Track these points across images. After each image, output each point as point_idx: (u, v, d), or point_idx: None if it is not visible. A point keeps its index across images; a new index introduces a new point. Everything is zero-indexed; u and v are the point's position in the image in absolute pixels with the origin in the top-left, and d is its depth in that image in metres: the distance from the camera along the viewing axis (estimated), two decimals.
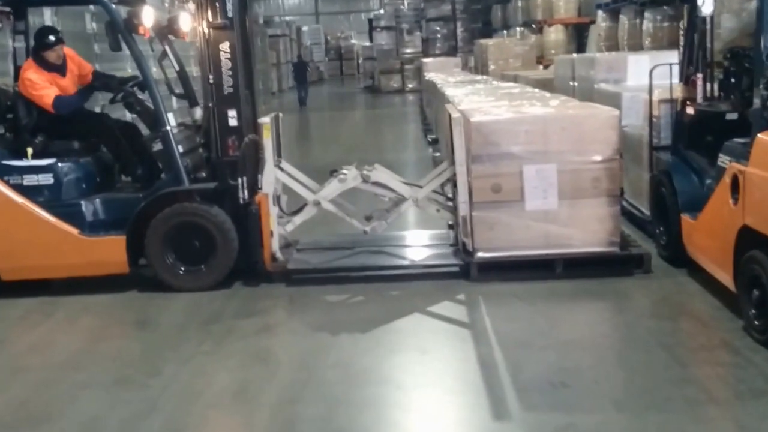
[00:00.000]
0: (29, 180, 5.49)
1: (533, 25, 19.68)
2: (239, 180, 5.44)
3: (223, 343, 4.64)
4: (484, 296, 5.17)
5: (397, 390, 3.97)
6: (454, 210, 5.73)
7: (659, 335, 4.41)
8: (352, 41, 41.12)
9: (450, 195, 5.97)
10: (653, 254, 5.57)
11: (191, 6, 5.65)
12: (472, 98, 7.37)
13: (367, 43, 33.90)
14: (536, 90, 8.21)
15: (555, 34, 18.18)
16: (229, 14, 5.39)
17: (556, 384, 3.84)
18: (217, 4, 5.37)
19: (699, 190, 5.26)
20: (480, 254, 5.42)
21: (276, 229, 5.58)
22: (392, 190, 5.76)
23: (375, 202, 6.11)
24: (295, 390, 3.98)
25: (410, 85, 26.30)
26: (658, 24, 11.92)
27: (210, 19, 5.41)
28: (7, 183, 5.45)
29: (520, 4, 21.33)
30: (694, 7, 5.27)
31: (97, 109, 6.39)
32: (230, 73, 5.44)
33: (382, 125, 17.73)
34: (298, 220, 5.78)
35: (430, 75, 14.72)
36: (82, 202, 5.56)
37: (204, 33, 5.45)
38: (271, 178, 5.53)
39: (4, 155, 5.55)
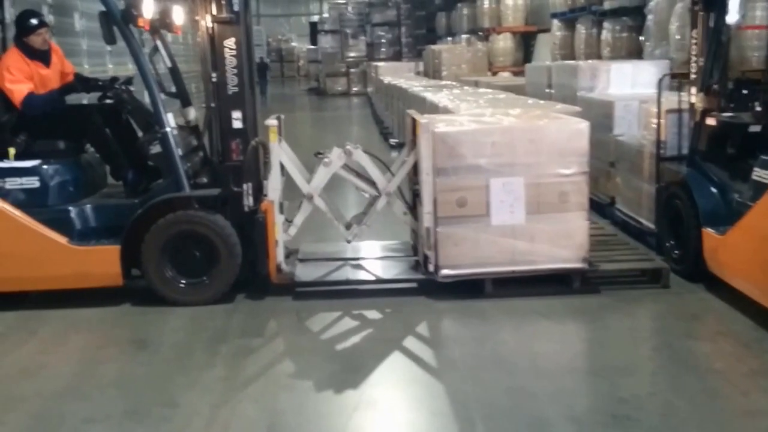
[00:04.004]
0: (12, 183, 4.79)
1: (480, 33, 19.38)
2: (244, 186, 4.84)
3: (238, 367, 4.05)
4: (502, 312, 4.71)
5: (447, 425, 3.45)
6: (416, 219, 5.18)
7: (706, 359, 4.02)
8: (293, 44, 40.33)
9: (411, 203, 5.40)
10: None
11: None
12: (461, 105, 6.89)
13: (308, 46, 33.22)
14: (526, 97, 7.78)
15: (503, 42, 17.90)
16: (236, 8, 4.78)
17: (620, 416, 3.39)
18: None
19: (721, 204, 4.92)
20: (444, 271, 4.91)
21: (281, 238, 4.99)
22: (367, 179, 5.17)
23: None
24: (339, 422, 3.44)
25: (355, 89, 25.79)
26: (617, 34, 11.70)
27: (215, 13, 4.80)
28: None
29: (465, 12, 21.03)
30: (720, 14, 4.90)
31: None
32: (235, 71, 4.83)
33: (339, 127, 17.13)
34: (297, 220, 5.16)
35: (388, 79, 14.24)
36: (71, 207, 4.88)
37: (207, 28, 4.83)
38: (277, 184, 4.93)
39: None
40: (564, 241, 4.94)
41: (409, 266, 5.25)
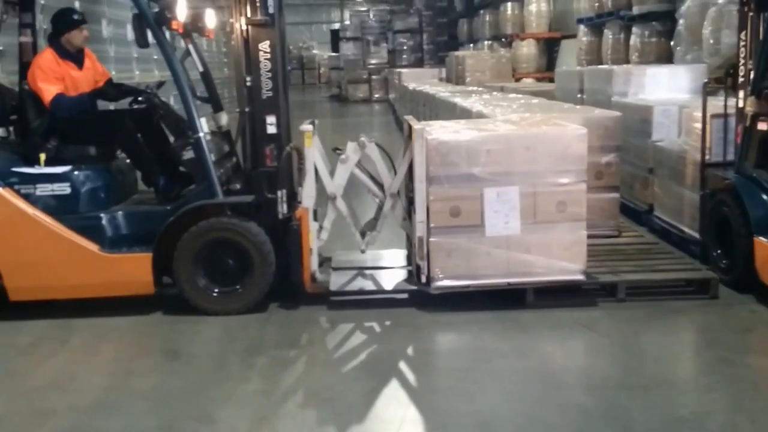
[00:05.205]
0: (42, 189, 4.64)
1: (503, 39, 19.19)
2: (278, 193, 4.67)
3: (273, 380, 3.87)
4: (544, 323, 4.50)
5: None
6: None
7: (764, 374, 3.80)
8: (314, 51, 40.24)
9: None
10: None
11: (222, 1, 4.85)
12: (495, 110, 6.68)
13: (329, 54, 33.08)
14: (561, 102, 7.56)
15: (527, 48, 17.71)
16: (271, 10, 4.63)
17: None
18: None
19: None
20: (436, 283, 4.69)
21: (315, 246, 4.82)
22: (379, 183, 4.98)
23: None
24: None
25: (377, 95, 25.59)
26: (646, 39, 11.47)
27: (249, 16, 4.64)
28: (17, 193, 4.60)
29: (488, 18, 20.85)
30: None
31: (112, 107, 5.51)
32: (270, 75, 4.67)
33: (362, 133, 16.96)
34: (326, 223, 4.97)
35: (413, 85, 14.05)
36: (103, 214, 4.72)
37: (242, 31, 4.68)
38: (312, 191, 4.75)
39: (14, 161, 4.70)
40: (561, 252, 4.69)
41: (402, 277, 5.05)
